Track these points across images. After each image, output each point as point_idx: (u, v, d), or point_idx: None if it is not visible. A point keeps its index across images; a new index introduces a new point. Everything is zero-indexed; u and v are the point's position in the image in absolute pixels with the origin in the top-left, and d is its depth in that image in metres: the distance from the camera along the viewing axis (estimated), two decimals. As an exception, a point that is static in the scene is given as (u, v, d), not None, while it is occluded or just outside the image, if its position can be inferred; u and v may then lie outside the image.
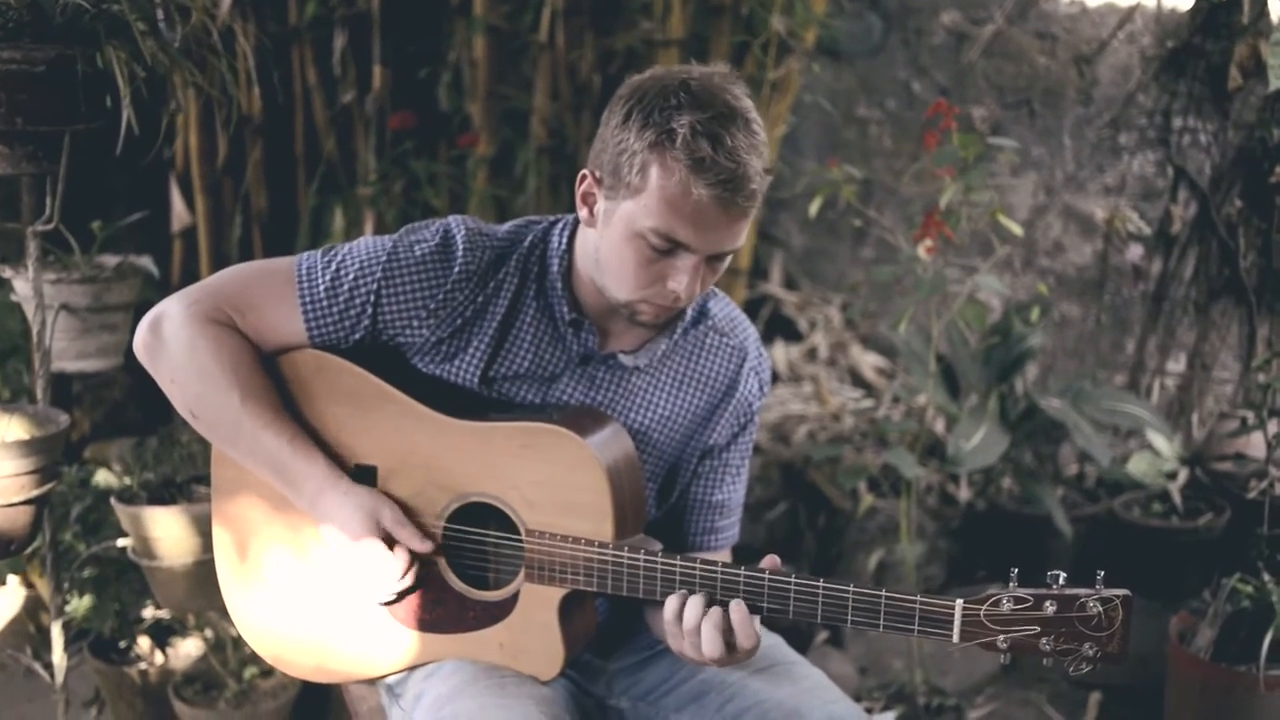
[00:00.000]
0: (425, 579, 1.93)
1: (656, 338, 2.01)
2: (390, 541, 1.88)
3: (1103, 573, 1.69)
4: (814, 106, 4.19)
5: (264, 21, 4.01)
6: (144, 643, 3.17)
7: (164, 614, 3.18)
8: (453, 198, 3.74)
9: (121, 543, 2.74)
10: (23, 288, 2.83)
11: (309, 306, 1.91)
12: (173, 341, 1.89)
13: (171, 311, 1.91)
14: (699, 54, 3.68)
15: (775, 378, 4.21)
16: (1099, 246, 4.05)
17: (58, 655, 2.71)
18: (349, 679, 2.05)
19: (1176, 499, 3.60)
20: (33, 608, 3.51)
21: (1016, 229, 2.89)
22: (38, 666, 2.75)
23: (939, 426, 3.90)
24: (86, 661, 3.20)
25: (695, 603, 1.75)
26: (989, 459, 3.21)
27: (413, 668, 1.98)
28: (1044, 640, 1.67)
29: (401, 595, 1.92)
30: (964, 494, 3.69)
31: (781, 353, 4.22)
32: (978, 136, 2.67)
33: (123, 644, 3.17)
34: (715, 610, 1.74)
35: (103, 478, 3.27)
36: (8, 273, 2.77)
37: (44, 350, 2.60)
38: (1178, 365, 3.99)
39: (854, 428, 3.85)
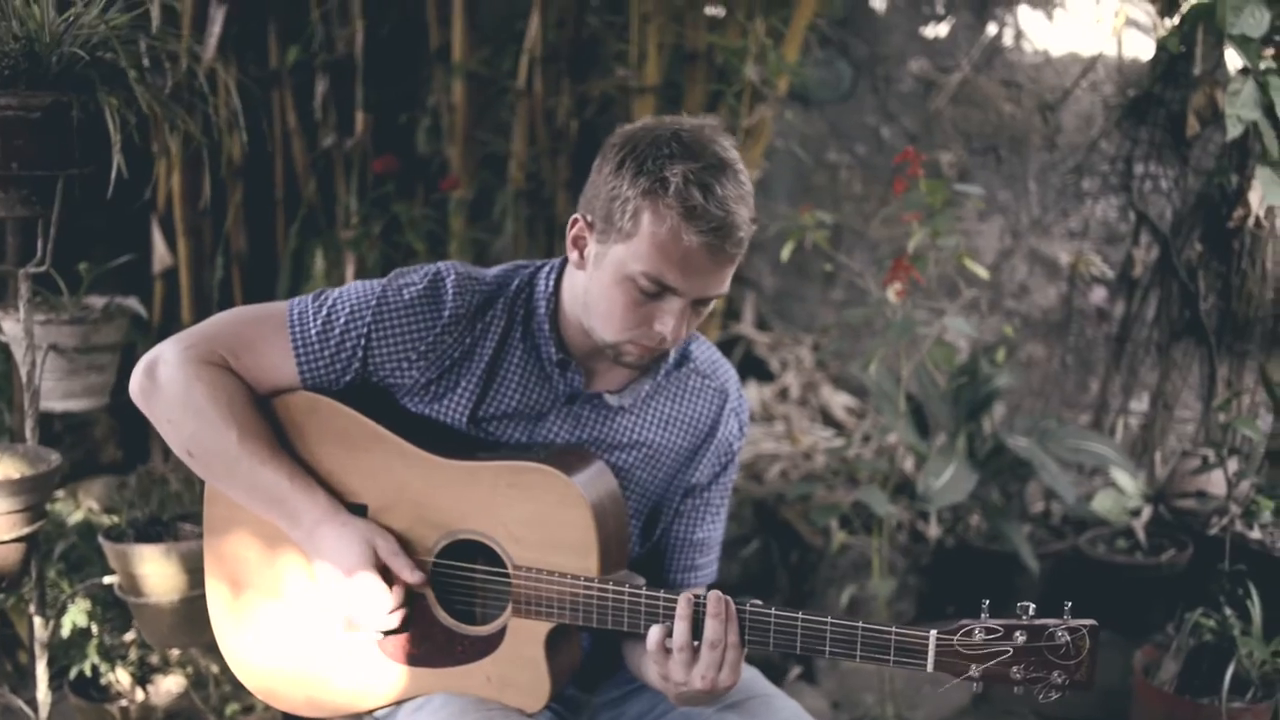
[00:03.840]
0: (414, 614, 1.98)
1: (641, 378, 2.07)
2: (384, 572, 1.93)
3: (1070, 604, 1.76)
4: (785, 151, 4.28)
5: (245, 66, 4.08)
6: (125, 680, 3.19)
7: (145, 651, 3.20)
8: (432, 240, 3.80)
9: (108, 580, 2.77)
10: (12, 328, 2.87)
11: (301, 349, 1.97)
12: (169, 384, 1.94)
13: (167, 355, 1.96)
14: (674, 101, 3.77)
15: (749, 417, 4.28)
16: (1063, 289, 4.15)
17: (42, 692, 2.73)
18: (339, 712, 2.09)
19: (1140, 535, 3.68)
20: (10, 645, 3.53)
21: (983, 273, 2.98)
22: (21, 703, 2.77)
23: (909, 465, 3.97)
24: (67, 698, 3.22)
25: (682, 626, 1.81)
26: (957, 496, 3.28)
27: (401, 701, 2.02)
28: (1014, 669, 1.74)
29: (396, 627, 1.97)
30: (933, 531, 3.76)
31: (754, 393, 4.29)
32: (944, 183, 2.76)
33: (103, 681, 3.19)
34: (714, 625, 1.80)
35: (83, 516, 3.31)
36: (-8, 314, 2.82)
37: (34, 390, 2.63)
38: (1141, 405, 4.09)
39: (825, 466, 3.92)
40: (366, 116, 3.95)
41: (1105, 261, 4.01)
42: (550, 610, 1.90)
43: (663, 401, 2.10)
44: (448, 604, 1.98)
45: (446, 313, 1.96)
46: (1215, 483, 3.71)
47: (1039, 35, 4.13)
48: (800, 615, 1.79)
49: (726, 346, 4.53)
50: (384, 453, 1.97)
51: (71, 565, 3.12)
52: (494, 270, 2.07)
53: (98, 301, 3.01)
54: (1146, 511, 3.78)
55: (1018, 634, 1.73)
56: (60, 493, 3.73)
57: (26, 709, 2.77)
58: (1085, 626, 1.72)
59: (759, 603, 1.83)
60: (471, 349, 2.00)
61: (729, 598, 1.82)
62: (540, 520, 1.90)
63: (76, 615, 3.07)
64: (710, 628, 1.80)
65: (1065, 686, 1.74)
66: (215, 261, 3.94)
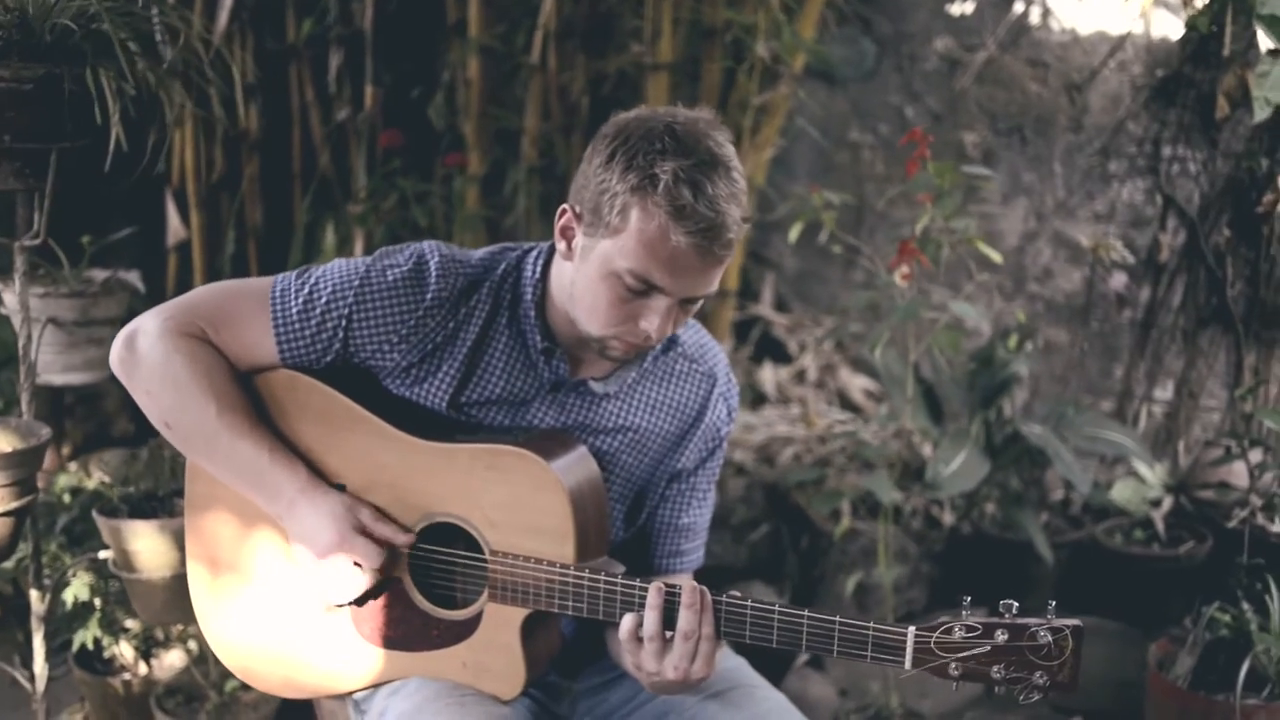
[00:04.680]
0: (391, 597, 1.95)
1: (627, 365, 2.03)
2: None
3: (1054, 603, 1.71)
4: (807, 130, 4.22)
5: (262, 38, 4.06)
6: (128, 653, 3.19)
7: (149, 625, 3.20)
8: (442, 216, 3.76)
9: (103, 554, 2.76)
10: (11, 301, 2.87)
11: (281, 328, 1.94)
12: (148, 355, 1.92)
13: (146, 326, 1.94)
14: (691, 77, 3.73)
15: (763, 399, 4.23)
16: (1088, 273, 4.07)
17: (39, 665, 2.73)
18: (316, 694, 2.07)
19: (1159, 526, 3.60)
20: (22, 615, 3.54)
21: (996, 256, 2.91)
22: (19, 676, 2.77)
23: (927, 450, 3.91)
24: (72, 671, 3.23)
25: (652, 615, 1.78)
26: (968, 484, 3.22)
27: (378, 684, 2.00)
28: (995, 668, 1.69)
29: (374, 594, 1.94)
30: (947, 518, 3.70)
31: (770, 374, 4.24)
32: (952, 165, 2.69)
33: (107, 654, 3.20)
34: (688, 616, 1.76)
35: (90, 489, 3.30)
36: (-3, 286, 2.81)
37: (29, 363, 2.63)
38: (1165, 393, 4.00)
39: (840, 450, 3.87)
40: (376, 90, 3.92)
41: (1130, 246, 3.92)
42: (526, 596, 1.87)
43: (649, 386, 2.06)
44: (425, 587, 1.95)
45: (429, 296, 1.93)
46: (1238, 474, 3.63)
47: (1066, 14, 4.05)
48: (777, 607, 1.75)
49: (744, 327, 4.48)
50: (363, 433, 1.94)
51: (74, 539, 3.11)
52: (480, 252, 2.04)
53: (99, 275, 3.00)
54: (1167, 502, 3.70)
55: (998, 633, 1.68)
56: (72, 465, 3.74)
57: (24, 680, 2.77)
58: (1069, 627, 1.67)
59: (737, 594, 1.79)
60: (455, 333, 1.97)
61: (704, 588, 1.78)
62: (517, 504, 1.87)
63: (79, 589, 3.07)
64: (684, 618, 1.76)
65: (1047, 688, 1.69)
66: (228, 235, 3.93)
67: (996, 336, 3.64)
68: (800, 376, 4.26)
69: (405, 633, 1.95)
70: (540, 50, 3.75)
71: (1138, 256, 3.93)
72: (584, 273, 1.87)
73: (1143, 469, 3.70)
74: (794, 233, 2.99)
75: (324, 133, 4.11)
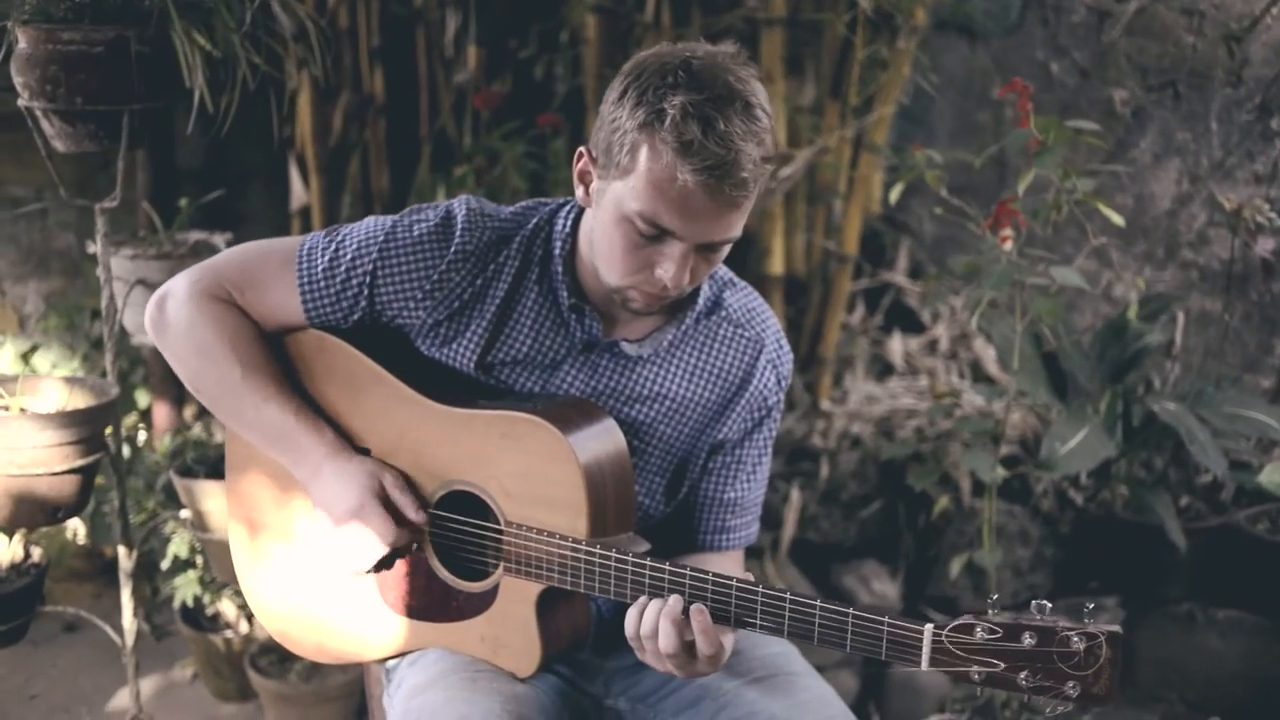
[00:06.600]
0: (413, 565, 1.90)
1: (664, 327, 1.94)
2: (389, 508, 1.86)
3: (1091, 605, 1.54)
4: (947, 86, 4.01)
5: (388, 2, 4.05)
6: (230, 611, 3.24)
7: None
8: (535, 179, 3.69)
9: (184, 514, 2.79)
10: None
11: (306, 286, 1.91)
12: (176, 319, 1.92)
13: (176, 289, 1.94)
14: (814, 30, 3.58)
15: (889, 370, 4.05)
16: (1241, 239, 3.76)
17: (127, 619, 2.79)
18: (346, 660, 2.05)
19: (1311, 514, 3.32)
20: (148, 571, 3.64)
21: (1118, 219, 2.69)
22: (110, 630, 2.83)
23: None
24: (179, 630, 3.31)
25: (651, 609, 1.69)
26: (1087, 464, 2.99)
27: (404, 653, 1.96)
28: (1021, 675, 1.53)
29: (391, 561, 1.89)
30: (1077, 498, 3.47)
31: (898, 344, 4.05)
32: (1055, 120, 2.49)
33: (210, 612, 3.25)
34: (675, 601, 1.67)
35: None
36: (91, 248, 2.86)
37: (113, 323, 2.66)
38: (1332, 369, 3.69)
39: (964, 424, 3.66)
40: (480, 51, 3.86)
41: (1284, 209, 3.60)
42: (539, 571, 1.80)
43: (689, 352, 1.95)
44: (446, 556, 1.89)
45: (453, 249, 1.87)
46: (1404, 459, 3.32)
47: (1225, -43, 3.74)
48: (789, 595, 1.63)
49: (874, 295, 4.30)
50: (384, 395, 1.90)
51: (172, 496, 3.17)
52: (512, 207, 1.97)
53: (192, 237, 3.03)
54: (1324, 487, 3.40)
55: (1025, 636, 1.52)
56: (197, 426, 3.82)
57: (113, 634, 2.83)
58: (1104, 634, 1.49)
59: (749, 578, 1.68)
60: (484, 290, 1.90)
61: (703, 608, 1.67)
62: (530, 475, 1.79)
63: (179, 546, 3.13)
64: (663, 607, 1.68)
65: (1079, 698, 1.52)
66: (344, 199, 3.94)
67: (1134, 306, 3.38)
68: (932, 347, 4.06)
69: (427, 603, 1.91)
70: (654, 8, 3.65)
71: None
72: (600, 219, 1.78)
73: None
74: (895, 193, 2.83)
75: (449, 97, 4.09)
